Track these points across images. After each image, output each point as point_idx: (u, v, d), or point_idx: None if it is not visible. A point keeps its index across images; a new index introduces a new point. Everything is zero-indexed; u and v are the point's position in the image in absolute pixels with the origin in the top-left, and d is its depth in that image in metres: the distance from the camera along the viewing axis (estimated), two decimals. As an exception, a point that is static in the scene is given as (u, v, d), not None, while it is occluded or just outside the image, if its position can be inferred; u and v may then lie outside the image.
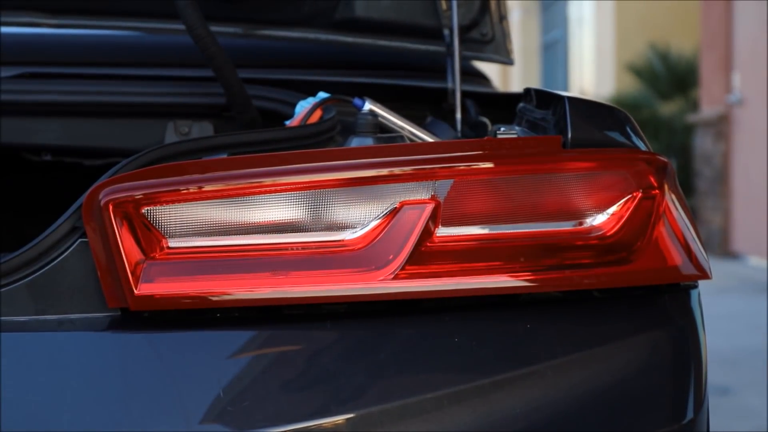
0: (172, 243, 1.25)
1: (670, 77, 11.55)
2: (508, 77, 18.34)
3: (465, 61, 2.13)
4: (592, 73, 14.65)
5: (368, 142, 1.58)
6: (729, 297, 6.69)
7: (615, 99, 11.57)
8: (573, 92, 1.47)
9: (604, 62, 13.99)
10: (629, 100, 11.25)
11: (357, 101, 1.66)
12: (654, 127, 10.76)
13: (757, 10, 8.19)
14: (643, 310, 1.36)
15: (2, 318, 1.25)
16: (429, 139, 1.67)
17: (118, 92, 1.99)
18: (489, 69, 2.42)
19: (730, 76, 8.89)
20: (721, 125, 8.98)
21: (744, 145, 8.64)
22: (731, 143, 8.92)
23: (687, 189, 9.44)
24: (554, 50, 16.86)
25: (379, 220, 1.27)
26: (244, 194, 1.25)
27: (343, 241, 1.27)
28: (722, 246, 8.92)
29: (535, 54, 17.89)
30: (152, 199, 1.24)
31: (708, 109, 9.33)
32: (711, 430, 1.44)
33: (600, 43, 14.21)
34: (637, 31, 12.97)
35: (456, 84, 1.83)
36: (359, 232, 1.27)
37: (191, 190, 1.24)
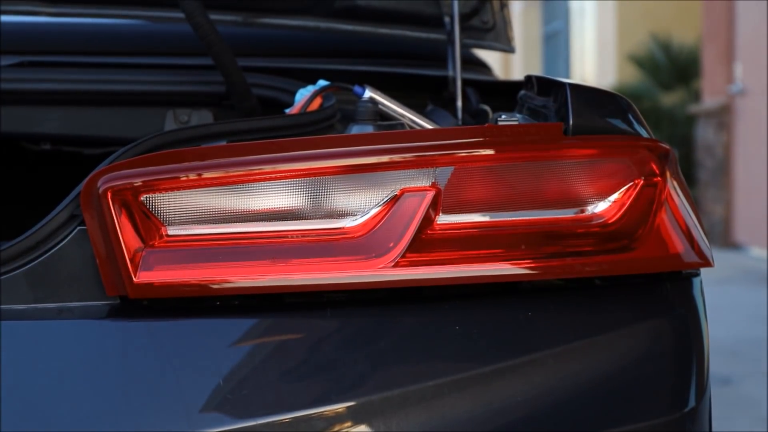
0: (171, 231, 1.25)
1: (672, 68, 11.54)
2: (509, 68, 18.33)
3: (466, 49, 2.12)
4: (593, 64, 14.64)
5: (368, 129, 1.57)
6: (730, 288, 6.69)
7: (616, 89, 11.54)
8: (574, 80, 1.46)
9: (606, 53, 13.98)
10: (631, 91, 11.24)
11: (357, 89, 1.66)
12: (655, 118, 10.76)
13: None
14: (644, 298, 1.36)
15: (1, 306, 1.24)
16: (429, 126, 1.67)
17: (118, 81, 1.98)
18: (490, 60, 2.41)
19: (731, 67, 8.88)
20: (723, 116, 8.97)
21: (746, 135, 8.63)
22: (733, 134, 8.91)
23: (688, 180, 9.43)
24: (556, 41, 16.85)
25: (379, 208, 1.26)
26: (244, 182, 1.25)
27: (343, 228, 1.26)
28: (724, 237, 8.92)
29: (536, 45, 17.87)
30: (151, 187, 1.23)
31: (710, 100, 9.32)
32: (712, 419, 1.43)
33: (601, 34, 14.19)
34: (638, 21, 12.95)
35: (456, 72, 1.82)
36: (359, 220, 1.26)
37: (190, 178, 1.24)
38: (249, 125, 1.51)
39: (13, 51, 2.03)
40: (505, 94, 1.92)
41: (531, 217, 1.29)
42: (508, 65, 18.26)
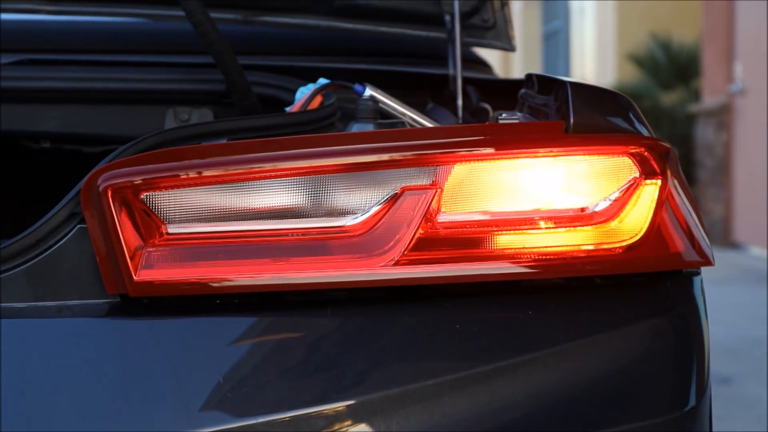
0: (172, 229, 1.25)
1: (672, 67, 11.55)
2: (509, 67, 18.33)
3: (466, 47, 2.12)
4: (593, 63, 14.64)
5: (369, 127, 1.57)
6: (730, 287, 6.69)
7: (616, 89, 11.53)
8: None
9: (606, 52, 13.98)
10: (630, 90, 11.25)
11: (357, 87, 1.65)
12: (655, 117, 10.76)
13: (759, -1, 8.17)
14: (645, 296, 1.35)
15: (1, 304, 1.24)
16: (430, 125, 1.66)
17: (118, 79, 1.98)
18: (490, 59, 2.42)
19: (731, 66, 8.88)
20: (723, 115, 8.97)
21: (745, 134, 8.63)
22: (733, 133, 8.91)
23: (688, 179, 9.41)
24: (555, 40, 16.85)
25: (380, 206, 1.26)
26: (244, 179, 1.24)
27: (344, 227, 1.26)
28: (723, 236, 8.92)
29: (536, 44, 17.87)
30: (151, 185, 1.23)
31: (709, 99, 9.33)
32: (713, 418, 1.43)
33: (601, 33, 14.20)
34: (638, 20, 12.96)
35: (457, 70, 1.82)
36: (360, 218, 1.26)
37: (191, 176, 1.24)
38: (249, 123, 1.51)
39: (13, 49, 2.03)
40: (505, 92, 1.91)
41: (531, 216, 1.29)
42: (507, 64, 18.27)
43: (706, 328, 1.39)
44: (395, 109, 1.65)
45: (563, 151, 1.29)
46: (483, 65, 2.18)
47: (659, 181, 1.31)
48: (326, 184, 1.25)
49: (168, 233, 1.24)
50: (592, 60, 14.71)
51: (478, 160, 1.27)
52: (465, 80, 1.87)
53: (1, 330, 1.21)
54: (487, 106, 1.86)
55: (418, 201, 1.26)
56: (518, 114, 1.52)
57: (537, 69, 17.14)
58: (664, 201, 1.32)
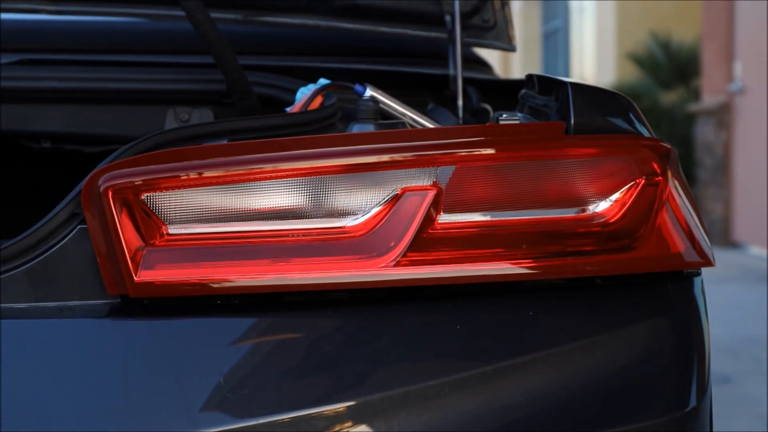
0: (172, 229, 1.25)
1: (672, 66, 11.54)
2: (508, 66, 18.33)
3: (466, 47, 2.12)
4: (592, 62, 14.64)
5: (369, 128, 1.57)
6: (730, 286, 6.69)
7: (616, 88, 11.52)
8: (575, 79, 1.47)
9: (605, 51, 13.98)
10: (630, 90, 11.24)
11: (358, 87, 1.65)
12: (655, 117, 10.76)
13: (758, -2, 8.17)
14: (646, 297, 1.35)
15: (2, 305, 1.24)
16: (430, 125, 1.66)
17: (118, 79, 1.98)
18: (489, 59, 2.42)
19: (731, 65, 8.88)
20: (723, 114, 8.97)
21: (745, 134, 8.64)
22: (732, 132, 8.91)
23: (688, 178, 9.40)
24: (555, 39, 16.85)
25: (380, 207, 1.26)
26: (245, 180, 1.24)
27: (344, 227, 1.26)
28: (723, 235, 8.92)
29: (536, 43, 17.87)
30: (152, 186, 1.23)
31: (709, 98, 9.32)
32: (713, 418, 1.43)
33: (601, 32, 14.19)
34: (638, 19, 12.95)
35: (457, 71, 1.82)
36: (361, 219, 1.26)
37: (191, 176, 1.24)
38: (250, 124, 1.51)
39: (13, 49, 2.03)
40: (506, 92, 1.91)
41: (532, 217, 1.29)
42: (507, 64, 18.27)
43: (707, 328, 1.39)
44: (396, 110, 1.65)
45: (564, 152, 1.29)
46: (483, 65, 2.18)
47: (660, 182, 1.31)
48: (327, 184, 1.26)
49: (169, 234, 1.24)
50: (592, 59, 14.71)
51: (478, 161, 1.27)
52: (465, 80, 1.87)
53: (2, 330, 1.21)
54: (488, 107, 1.86)
55: (418, 202, 1.26)
56: (519, 114, 1.52)
57: (536, 68, 17.14)
58: (664, 201, 1.32)
